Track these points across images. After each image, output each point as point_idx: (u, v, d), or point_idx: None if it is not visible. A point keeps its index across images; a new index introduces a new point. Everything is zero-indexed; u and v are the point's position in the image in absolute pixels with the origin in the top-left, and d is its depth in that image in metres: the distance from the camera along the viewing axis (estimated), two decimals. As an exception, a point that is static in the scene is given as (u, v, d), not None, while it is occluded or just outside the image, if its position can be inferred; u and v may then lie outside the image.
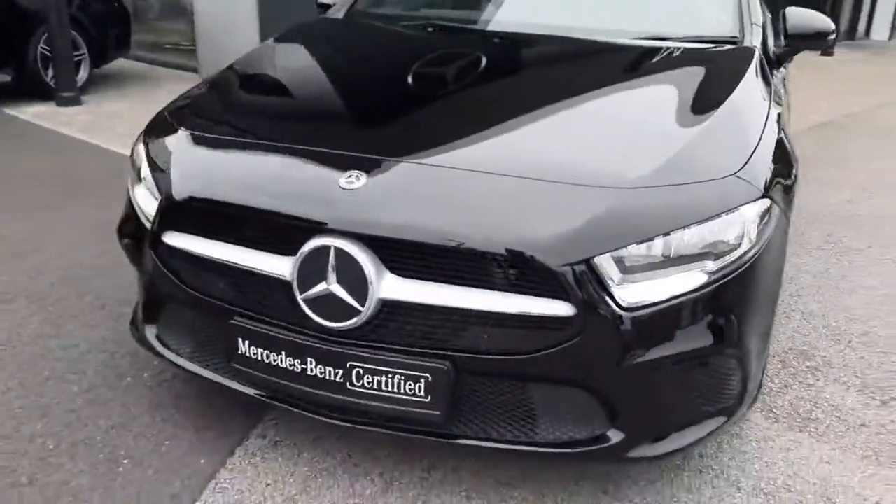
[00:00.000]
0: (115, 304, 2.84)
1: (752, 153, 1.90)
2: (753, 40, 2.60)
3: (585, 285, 1.61)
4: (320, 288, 1.70)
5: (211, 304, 1.90)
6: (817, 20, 2.78)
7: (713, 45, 2.57)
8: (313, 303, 1.72)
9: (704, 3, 2.84)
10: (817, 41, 2.79)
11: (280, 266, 1.76)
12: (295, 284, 1.73)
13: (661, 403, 1.75)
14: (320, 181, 1.78)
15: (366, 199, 1.71)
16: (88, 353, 2.52)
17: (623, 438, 1.73)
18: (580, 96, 2.15)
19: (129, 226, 2.17)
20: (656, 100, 2.17)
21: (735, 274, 1.72)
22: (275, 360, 1.80)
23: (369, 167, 1.77)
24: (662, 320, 1.67)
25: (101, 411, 2.21)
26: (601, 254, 1.62)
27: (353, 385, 1.73)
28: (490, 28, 2.84)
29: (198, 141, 2.06)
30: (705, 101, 2.11)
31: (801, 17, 2.78)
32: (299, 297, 1.73)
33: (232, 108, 2.31)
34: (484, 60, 2.44)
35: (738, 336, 1.77)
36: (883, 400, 2.44)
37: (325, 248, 1.68)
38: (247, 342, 1.83)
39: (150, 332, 2.13)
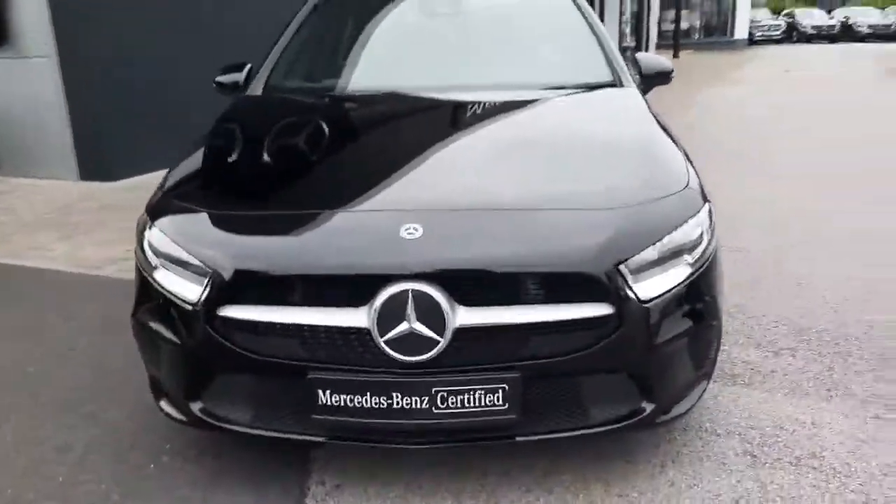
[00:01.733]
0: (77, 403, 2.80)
1: (687, 169, 2.44)
2: (629, 82, 3.21)
3: (616, 287, 2.02)
4: (402, 328, 1.95)
5: (280, 366, 2.05)
6: (662, 63, 3.46)
7: (600, 89, 3.14)
8: (394, 343, 1.96)
9: (580, 58, 3.40)
10: (665, 78, 3.46)
11: (355, 317, 1.97)
12: (374, 330, 1.95)
13: (672, 374, 2.19)
14: (382, 237, 2.03)
15: (429, 246, 1.99)
16: (90, 453, 2.50)
17: (653, 408, 2.14)
18: (545, 140, 2.59)
19: (151, 311, 2.24)
20: (597, 135, 2.65)
21: (706, 262, 2.22)
22: (359, 402, 2.00)
23: (422, 219, 2.06)
24: (668, 307, 2.11)
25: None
26: (624, 260, 2.04)
27: (439, 408, 1.99)
28: (423, 92, 3.14)
29: (238, 219, 2.22)
30: (634, 132, 2.64)
31: (651, 61, 3.45)
32: (380, 341, 1.95)
33: (249, 184, 2.45)
34: (450, 120, 2.80)
35: (715, 309, 2.27)
36: (774, 351, 3.10)
37: (403, 293, 1.93)
38: (327, 392, 2.01)
39: (195, 407, 2.21)
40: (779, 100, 12.41)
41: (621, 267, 2.04)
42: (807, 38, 36.12)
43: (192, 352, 2.15)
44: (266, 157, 2.63)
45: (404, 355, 1.96)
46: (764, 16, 37.65)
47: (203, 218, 2.23)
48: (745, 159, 7.30)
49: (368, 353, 1.99)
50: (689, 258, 2.18)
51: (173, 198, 2.39)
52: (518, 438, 2.08)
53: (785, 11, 40.50)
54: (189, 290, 2.13)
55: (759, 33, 34.56)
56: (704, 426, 2.52)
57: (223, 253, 2.09)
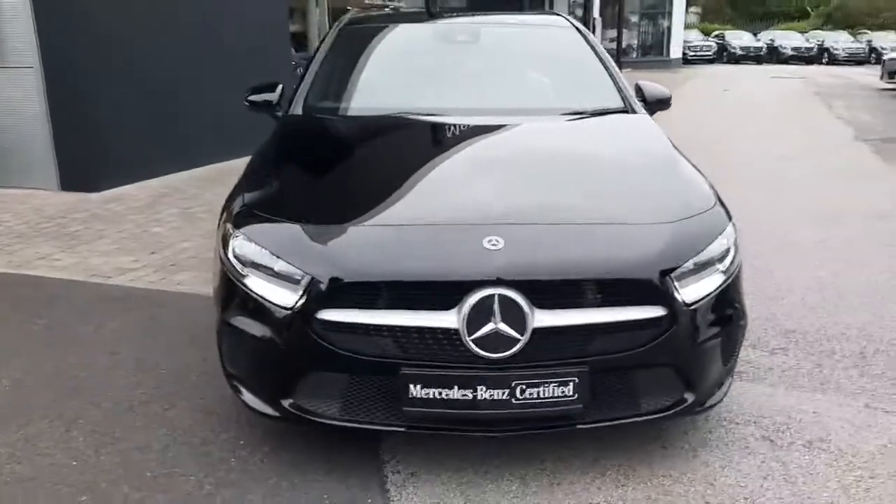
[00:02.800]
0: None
1: (710, 188, 2.78)
2: (640, 108, 3.55)
3: (667, 292, 2.33)
4: (488, 328, 2.21)
5: (374, 363, 2.29)
6: (662, 91, 3.81)
7: (613, 114, 3.47)
8: (480, 341, 2.22)
9: (592, 85, 3.72)
10: (665, 104, 3.81)
11: (446, 319, 2.23)
12: (463, 330, 2.21)
13: (709, 369, 2.51)
14: (469, 248, 2.29)
15: (510, 256, 2.27)
16: (168, 450, 2.67)
17: (694, 399, 2.46)
18: (586, 160, 2.91)
19: (241, 314, 2.45)
20: (630, 156, 2.99)
21: (734, 271, 2.55)
22: (447, 395, 2.25)
23: (501, 232, 2.33)
24: (707, 309, 2.44)
25: (235, 495, 2.43)
26: (673, 269, 2.35)
27: (517, 399, 2.26)
28: (456, 115, 3.40)
29: (333, 231, 2.45)
30: (660, 154, 2.99)
31: (653, 89, 3.80)
32: (468, 339, 2.22)
33: (330, 198, 2.69)
34: (497, 142, 3.09)
35: (742, 312, 2.60)
36: (770, 350, 3.47)
37: (490, 297, 2.20)
38: (418, 386, 2.25)
39: (286, 403, 2.42)
40: (726, 113, 13.11)
41: (671, 274, 2.35)
42: (735, 59, 37.73)
43: (286, 351, 2.36)
44: (342, 173, 2.87)
45: (489, 352, 2.23)
46: (695, 37, 39.16)
47: (297, 229, 2.45)
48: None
49: (457, 351, 2.24)
50: (720, 267, 2.51)
51: (257, 210, 2.60)
52: (579, 426, 2.37)
53: (715, 33, 42.16)
54: (282, 295, 2.35)
55: (692, 53, 35.94)
56: (723, 416, 2.85)
57: (322, 261, 2.32)
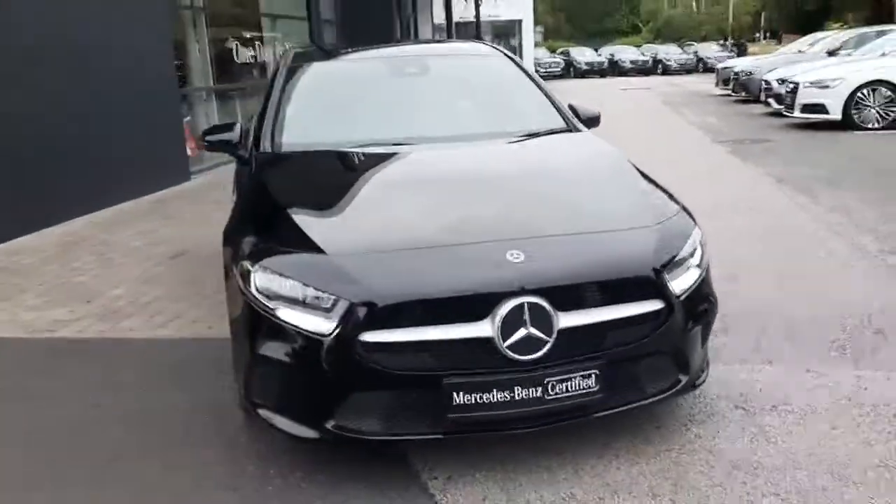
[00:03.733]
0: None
1: (672, 196, 3.16)
2: (581, 127, 3.91)
3: (664, 287, 2.66)
4: (521, 334, 2.44)
5: (416, 377, 2.46)
6: (593, 110, 4.19)
7: (563, 133, 3.82)
8: (513, 346, 2.45)
9: (534, 108, 4.05)
10: (595, 122, 4.19)
11: (481, 329, 2.45)
12: (498, 337, 2.44)
13: (696, 352, 2.86)
14: (493, 262, 2.52)
15: (532, 266, 2.52)
16: (201, 486, 2.70)
17: (687, 379, 2.79)
18: (560, 175, 3.23)
19: (274, 345, 2.56)
20: (596, 168, 3.33)
21: (705, 266, 2.92)
22: (487, 399, 2.46)
23: (519, 245, 2.57)
24: (692, 300, 2.78)
25: (286, 514, 2.52)
26: (665, 266, 2.68)
27: (549, 395, 2.50)
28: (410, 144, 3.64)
29: (364, 257, 2.60)
30: (618, 167, 3.34)
31: (585, 109, 4.16)
32: (503, 345, 2.44)
33: (347, 226, 2.83)
34: (473, 165, 3.33)
35: (715, 300, 2.97)
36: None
37: (520, 305, 2.44)
38: (461, 393, 2.45)
39: (329, 425, 2.54)
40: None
41: (664, 271, 2.68)
42: (581, 74, 40.03)
43: (327, 376, 2.49)
44: (347, 203, 3.01)
45: (522, 355, 2.46)
46: (543, 54, 41.24)
47: (324, 258, 2.59)
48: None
49: (493, 357, 2.46)
50: (694, 262, 2.87)
51: (273, 244, 2.71)
52: (598, 414, 2.64)
53: (560, 50, 44.51)
54: (318, 323, 2.49)
55: (543, 70, 37.77)
56: (698, 394, 3.21)
57: (358, 287, 2.48)
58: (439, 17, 23.67)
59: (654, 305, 2.64)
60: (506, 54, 4.41)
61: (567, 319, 2.50)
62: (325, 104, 3.96)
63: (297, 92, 3.92)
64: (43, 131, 7.09)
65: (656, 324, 2.64)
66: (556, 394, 2.51)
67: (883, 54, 13.75)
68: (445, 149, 3.58)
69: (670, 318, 2.66)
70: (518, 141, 3.70)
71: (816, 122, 12.23)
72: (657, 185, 3.24)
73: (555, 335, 2.47)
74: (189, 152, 10.01)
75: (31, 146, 6.95)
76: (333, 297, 2.48)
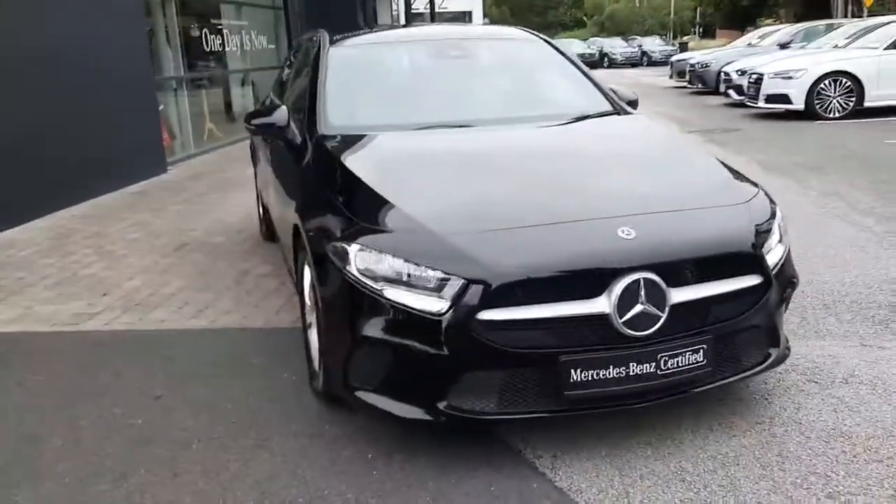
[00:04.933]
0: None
1: (745, 176, 3.20)
2: (629, 109, 3.93)
3: (762, 262, 2.70)
4: (637, 310, 2.45)
5: (533, 355, 2.45)
6: (631, 95, 4.22)
7: (613, 115, 3.83)
8: (628, 322, 2.45)
9: (584, 92, 4.05)
10: (635, 105, 4.22)
11: (598, 305, 2.44)
12: (614, 314, 2.44)
13: (781, 326, 2.91)
14: (606, 239, 2.52)
15: (644, 242, 2.52)
16: (297, 473, 2.63)
17: (777, 353, 2.85)
18: (641, 154, 3.27)
19: (382, 326, 2.52)
20: (668, 149, 3.35)
21: (788, 243, 2.97)
22: (603, 375, 2.46)
23: (629, 223, 2.57)
24: (780, 275, 2.83)
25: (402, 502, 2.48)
26: (762, 242, 2.72)
27: (662, 370, 2.52)
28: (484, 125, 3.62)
29: (469, 235, 2.55)
30: (686, 146, 3.38)
31: (624, 93, 4.19)
32: (618, 322, 2.44)
33: (447, 206, 2.77)
34: (545, 144, 3.33)
35: (797, 276, 3.02)
36: (756, 313, 3.97)
37: (636, 281, 2.44)
38: (577, 370, 2.45)
39: (441, 405, 2.51)
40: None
41: (762, 246, 2.72)
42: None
43: (442, 355, 2.45)
44: (438, 184, 2.95)
45: (636, 331, 2.47)
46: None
47: (434, 236, 2.55)
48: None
49: (609, 333, 2.46)
50: (778, 237, 2.91)
51: (371, 224, 2.65)
52: (703, 388, 2.66)
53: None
54: (431, 302, 2.45)
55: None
56: (766, 369, 3.27)
57: (474, 265, 2.44)
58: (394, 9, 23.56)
59: (753, 280, 2.68)
60: (543, 38, 4.41)
61: (678, 295, 2.52)
62: (377, 87, 3.89)
63: (346, 75, 3.82)
64: (20, 123, 6.78)
65: (755, 298, 2.68)
66: (668, 369, 2.53)
67: (836, 46, 14.28)
68: (510, 130, 3.55)
69: (767, 292, 2.70)
70: (578, 121, 3.70)
71: (779, 113, 12.59)
72: (727, 166, 3.28)
73: (667, 311, 2.49)
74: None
75: (10, 139, 6.64)
76: (447, 275, 2.44)
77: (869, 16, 21.64)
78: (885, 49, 12.20)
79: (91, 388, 3.39)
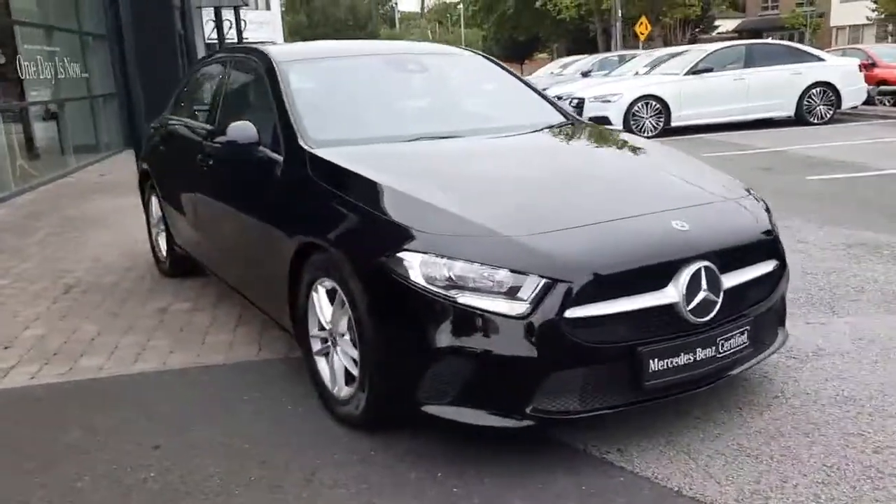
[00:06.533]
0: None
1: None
2: (582, 118, 4.13)
3: (780, 245, 2.96)
4: (700, 297, 2.59)
5: (614, 350, 2.49)
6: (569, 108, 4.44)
7: (573, 125, 3.99)
8: (693, 310, 2.58)
9: (538, 105, 4.15)
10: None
11: (668, 295, 2.55)
12: (682, 303, 2.55)
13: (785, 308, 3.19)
14: (665, 232, 2.63)
15: (697, 233, 2.67)
16: (367, 496, 2.47)
17: (786, 334, 3.11)
18: (637, 157, 3.44)
19: (463, 334, 2.46)
20: (656, 153, 3.54)
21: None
22: (675, 363, 2.57)
23: (680, 216, 2.71)
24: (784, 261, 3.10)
25: (497, 509, 2.40)
26: (774, 229, 2.98)
27: (720, 353, 2.67)
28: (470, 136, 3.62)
29: (537, 236, 2.55)
30: (669, 150, 3.60)
31: (564, 106, 4.39)
32: (686, 310, 2.56)
33: (500, 208, 2.74)
34: (549, 150, 3.40)
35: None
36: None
37: (698, 270, 2.58)
38: (654, 360, 2.53)
39: (528, 409, 2.47)
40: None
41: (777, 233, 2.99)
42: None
43: (527, 358, 2.43)
44: (479, 187, 2.92)
45: (699, 318, 2.60)
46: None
47: (504, 238, 2.53)
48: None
49: (678, 322, 2.57)
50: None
51: (427, 230, 2.58)
52: (741, 369, 2.85)
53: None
54: (509, 305, 2.43)
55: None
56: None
57: (552, 265, 2.46)
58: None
59: (773, 264, 2.92)
60: (485, 56, 4.49)
61: (727, 280, 2.69)
62: (346, 101, 3.74)
63: (309, 90, 3.63)
64: None
65: (775, 280, 2.93)
66: (724, 352, 2.69)
67: (637, 73, 15.79)
68: (508, 138, 3.61)
69: (783, 274, 2.95)
70: (554, 129, 3.81)
71: (601, 133, 13.64)
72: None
73: (722, 296, 2.65)
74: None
75: None
76: (525, 276, 2.43)
77: (643, 48, 24.20)
78: (685, 74, 13.70)
79: (69, 447, 2.94)
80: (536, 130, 3.76)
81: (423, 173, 3.06)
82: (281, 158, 3.33)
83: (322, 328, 3.05)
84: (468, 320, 2.45)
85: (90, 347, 4.05)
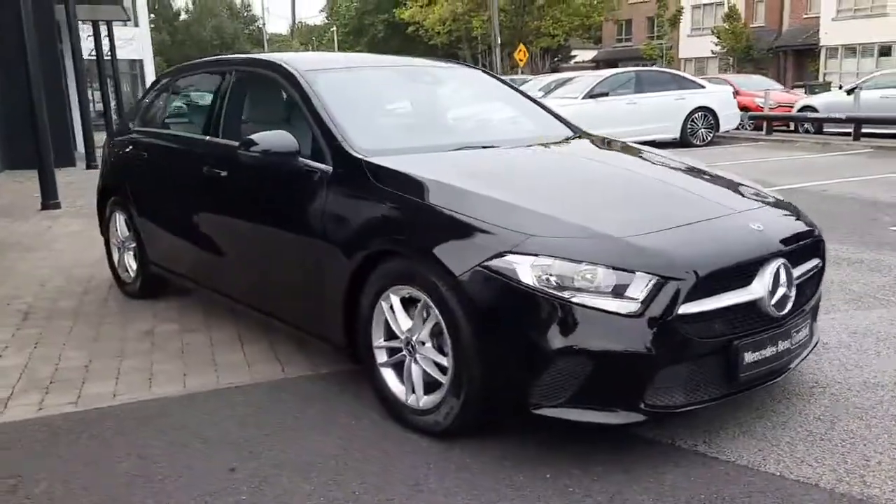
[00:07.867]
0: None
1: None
2: (587, 132, 4.28)
3: (822, 243, 3.19)
4: (781, 292, 2.77)
5: (715, 344, 2.62)
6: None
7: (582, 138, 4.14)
8: (776, 304, 2.76)
9: (545, 118, 4.26)
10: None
11: (755, 290, 2.71)
12: (767, 297, 2.72)
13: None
14: (746, 232, 2.79)
15: (772, 232, 2.86)
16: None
17: (816, 326, 3.35)
18: (672, 164, 3.57)
19: (581, 334, 2.51)
20: (681, 161, 3.71)
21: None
22: (762, 355, 2.73)
23: (752, 217, 2.88)
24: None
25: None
26: (816, 228, 3.22)
27: (793, 345, 2.87)
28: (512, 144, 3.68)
29: (637, 238, 2.65)
30: (684, 159, 3.80)
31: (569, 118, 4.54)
32: (770, 304, 2.73)
33: (587, 211, 2.82)
34: (597, 158, 3.51)
35: None
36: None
37: (779, 267, 2.76)
38: (748, 352, 2.68)
39: (641, 406, 2.55)
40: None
41: (815, 232, 3.24)
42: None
43: (642, 354, 2.52)
44: (558, 194, 3.00)
45: (779, 311, 2.79)
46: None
47: (612, 239, 2.62)
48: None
49: (764, 316, 2.74)
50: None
51: (534, 232, 2.62)
52: (800, 361, 3.05)
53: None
54: (624, 303, 2.51)
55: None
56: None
57: (665, 263, 2.56)
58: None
59: (816, 261, 3.15)
60: (484, 71, 4.57)
61: (797, 274, 2.89)
62: (376, 110, 3.70)
63: (341, 100, 3.53)
64: None
65: (819, 277, 3.16)
66: (796, 343, 2.89)
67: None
68: (539, 148, 3.68)
69: (823, 271, 3.20)
70: (589, 141, 3.95)
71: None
72: None
73: (794, 290, 2.84)
74: None
75: None
76: (634, 274, 2.52)
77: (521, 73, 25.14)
78: (583, 98, 14.33)
79: (131, 476, 2.72)
80: (566, 140, 3.87)
81: (495, 179, 3.08)
82: (327, 168, 3.24)
83: (390, 338, 2.99)
84: (584, 320, 2.50)
85: (89, 374, 3.74)
